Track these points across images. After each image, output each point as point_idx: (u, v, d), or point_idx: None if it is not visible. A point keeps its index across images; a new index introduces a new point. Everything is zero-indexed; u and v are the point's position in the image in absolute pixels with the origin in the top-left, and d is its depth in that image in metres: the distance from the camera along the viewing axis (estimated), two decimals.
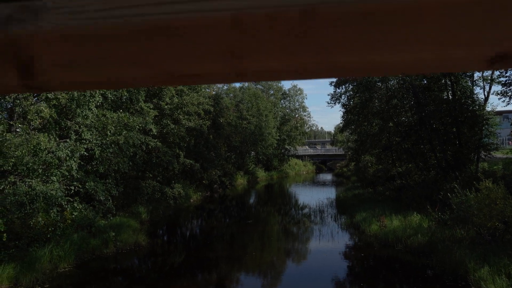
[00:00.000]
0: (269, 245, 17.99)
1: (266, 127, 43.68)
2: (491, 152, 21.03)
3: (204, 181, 29.82)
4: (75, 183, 12.72)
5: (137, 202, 19.92)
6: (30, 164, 10.90)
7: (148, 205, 20.94)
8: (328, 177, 53.78)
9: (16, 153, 10.35)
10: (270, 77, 0.46)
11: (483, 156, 20.72)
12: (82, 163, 13.37)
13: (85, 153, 12.77)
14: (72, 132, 13.12)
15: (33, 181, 11.13)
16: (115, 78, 0.47)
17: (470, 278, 10.46)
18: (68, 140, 12.72)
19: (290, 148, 54.13)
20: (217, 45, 0.41)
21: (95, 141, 13.43)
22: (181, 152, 22.89)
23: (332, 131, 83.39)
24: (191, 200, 27.74)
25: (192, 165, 24.00)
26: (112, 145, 14.29)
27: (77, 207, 12.60)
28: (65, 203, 11.72)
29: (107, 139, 13.87)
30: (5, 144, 10.24)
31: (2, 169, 11.00)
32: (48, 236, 12.69)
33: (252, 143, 41.00)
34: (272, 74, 0.45)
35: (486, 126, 20.75)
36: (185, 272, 13.65)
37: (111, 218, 15.96)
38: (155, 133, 19.31)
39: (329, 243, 16.17)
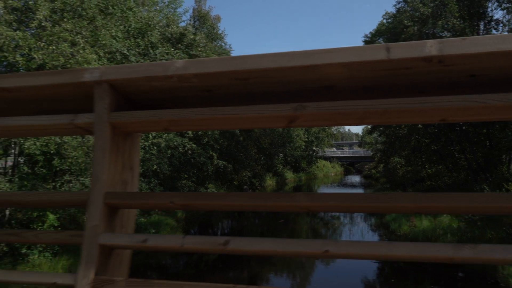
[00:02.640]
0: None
1: (294, 129, 44.21)
2: None
3: (235, 182, 30.62)
4: None
5: None
6: (83, 165, 11.89)
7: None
8: (356, 178, 53.77)
9: (73, 153, 11.36)
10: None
11: None
12: None
13: None
14: None
15: (86, 179, 12.15)
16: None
17: (499, 276, 10.82)
18: None
19: (318, 149, 54.42)
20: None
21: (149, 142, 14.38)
22: (214, 154, 23.73)
23: (360, 133, 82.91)
24: None
25: (226, 166, 24.82)
26: (154, 147, 15.23)
27: None
28: None
29: (149, 141, 14.82)
30: (64, 146, 11.26)
31: (58, 168, 12.05)
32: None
33: (280, 145, 41.61)
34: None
35: None
36: (218, 268, 14.34)
37: (150, 216, 16.92)
38: (191, 135, 20.23)
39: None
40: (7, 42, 10.53)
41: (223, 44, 35.13)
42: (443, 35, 20.68)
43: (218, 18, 38.80)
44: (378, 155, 38.03)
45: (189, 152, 21.10)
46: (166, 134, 15.70)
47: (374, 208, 1.24)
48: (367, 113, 1.24)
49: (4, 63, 11.97)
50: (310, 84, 1.36)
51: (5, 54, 10.73)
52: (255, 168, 35.23)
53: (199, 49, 24.11)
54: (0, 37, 10.55)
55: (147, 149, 15.27)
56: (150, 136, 15.14)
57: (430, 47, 1.14)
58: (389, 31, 26.04)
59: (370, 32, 29.61)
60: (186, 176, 22.59)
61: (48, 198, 1.47)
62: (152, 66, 1.38)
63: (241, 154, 30.26)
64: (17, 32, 10.92)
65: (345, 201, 1.24)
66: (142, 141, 15.06)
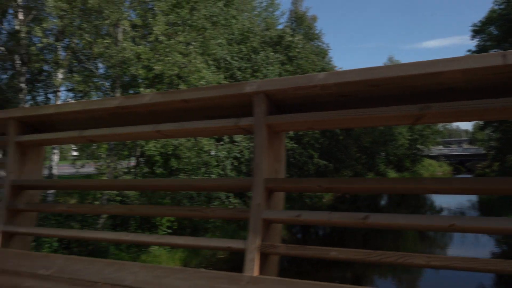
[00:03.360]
0: (403, 247, 17.91)
1: (396, 127, 42.65)
2: None
3: None
4: None
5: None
6: (196, 164, 12.98)
7: (285, 203, 22.43)
8: None
9: (187, 154, 12.50)
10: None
11: None
12: (235, 163, 15.28)
13: (238, 154, 14.63)
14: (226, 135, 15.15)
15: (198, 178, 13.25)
16: None
17: None
18: (223, 143, 14.71)
19: (423, 148, 51.80)
20: None
21: (244, 144, 15.23)
22: (315, 153, 24.01)
23: (470, 129, 76.93)
24: (324, 200, 28.70)
25: (326, 166, 24.95)
26: None
27: (232, 201, 14.47)
28: (225, 197, 13.64)
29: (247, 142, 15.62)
30: (179, 147, 12.43)
31: (174, 167, 13.29)
32: (208, 226, 14.78)
33: (382, 143, 40.46)
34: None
35: None
36: (320, 267, 14.51)
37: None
38: (291, 135, 20.76)
39: (471, 248, 15.63)
40: (131, 56, 11.93)
41: (320, 44, 35.21)
42: None
43: (314, 18, 38.94)
44: (492, 152, 35.17)
45: (290, 151, 21.63)
46: None
47: (506, 190, 1.45)
48: (487, 110, 1.47)
49: (127, 74, 13.54)
50: (432, 88, 1.62)
51: (129, 67, 12.16)
52: (356, 167, 34.73)
53: (297, 50, 24.55)
54: (125, 52, 11.99)
55: (251, 149, 16.07)
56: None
57: None
58: (502, 17, 24.03)
59: (480, 21, 27.56)
60: (288, 175, 23.17)
61: (222, 183, 1.91)
62: (299, 78, 1.75)
63: (341, 153, 30.09)
64: (139, 46, 12.31)
65: (474, 185, 1.48)
66: (247, 142, 15.90)
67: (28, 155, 2.57)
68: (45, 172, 17.19)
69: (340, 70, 1.68)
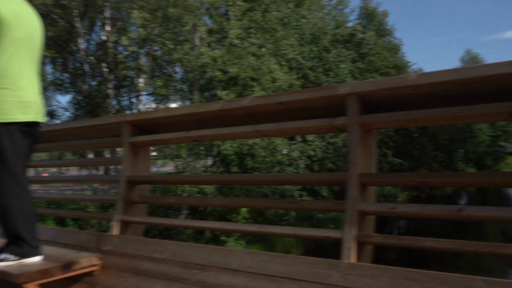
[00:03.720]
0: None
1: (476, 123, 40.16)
2: None
3: None
4: None
5: None
6: (270, 164, 13.29)
7: None
8: None
9: (262, 153, 12.85)
10: None
11: None
12: (307, 161, 15.42)
13: (312, 152, 14.75)
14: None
15: None
16: None
17: None
18: (295, 142, 14.90)
19: (506, 145, 48.28)
20: None
21: (317, 143, 15.31)
22: (388, 151, 23.41)
23: None
24: (398, 199, 27.88)
25: (401, 164, 24.22)
26: (330, 146, 16.01)
27: (306, 199, 14.62)
28: (298, 196, 13.83)
29: (327, 140, 15.63)
30: (254, 147, 12.82)
31: (249, 166, 13.71)
32: (283, 224, 15.03)
33: (461, 140, 38.35)
34: None
35: None
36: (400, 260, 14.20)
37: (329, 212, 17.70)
38: None
39: None
40: (208, 61, 12.51)
41: (392, 39, 34.16)
42: None
43: (385, 14, 37.82)
44: None
45: None
46: (343, 134, 16.33)
47: None
48: None
49: (203, 77, 14.18)
50: None
51: (207, 70, 12.76)
52: (432, 165, 33.28)
53: (369, 46, 24.09)
54: (203, 57, 12.60)
55: (324, 148, 16.09)
56: (327, 136, 15.93)
57: None
58: None
59: None
60: None
61: (316, 178, 2.08)
62: (392, 80, 1.87)
63: (416, 151, 29.01)
64: (215, 50, 12.88)
65: None
66: (320, 141, 15.95)
67: (138, 153, 2.92)
68: None
69: (432, 71, 1.79)
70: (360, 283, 1.68)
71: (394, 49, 32.14)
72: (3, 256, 2.29)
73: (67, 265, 2.33)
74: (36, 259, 2.33)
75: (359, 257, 1.86)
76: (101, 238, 2.69)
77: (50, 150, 3.82)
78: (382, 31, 33.88)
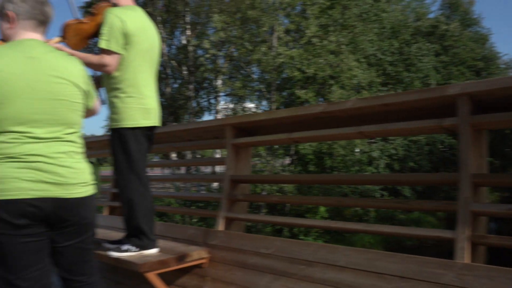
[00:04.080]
0: None
1: None
2: None
3: None
4: None
5: (433, 199, 20.42)
6: (350, 162, 13.13)
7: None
8: None
9: (341, 152, 12.73)
10: None
11: None
12: (387, 160, 14.99)
13: (394, 150, 14.33)
14: None
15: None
16: None
17: None
18: (375, 141, 14.56)
19: None
20: None
21: (398, 141, 14.83)
22: None
23: None
24: (487, 201, 26.07)
25: (492, 163, 22.64)
26: (413, 145, 15.43)
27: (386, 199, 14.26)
28: (379, 195, 13.51)
29: (409, 139, 15.09)
30: (333, 146, 12.75)
31: (327, 166, 13.64)
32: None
33: None
34: None
35: None
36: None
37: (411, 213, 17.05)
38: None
39: None
40: (286, 60, 12.64)
41: (479, 29, 31.95)
42: None
43: (471, 2, 35.45)
44: None
45: (448, 148, 20.25)
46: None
47: None
48: None
49: (281, 77, 14.33)
50: None
51: (284, 70, 12.89)
52: None
53: (453, 38, 22.82)
54: (280, 57, 12.75)
55: (405, 147, 15.55)
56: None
57: None
58: None
59: None
60: (444, 171, 21.70)
61: (425, 178, 2.10)
62: (507, 79, 1.84)
63: (509, 149, 26.89)
64: (293, 50, 12.97)
65: None
66: (401, 139, 15.41)
67: (240, 154, 3.09)
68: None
69: None
70: (476, 284, 1.67)
71: (482, 39, 30.07)
72: (126, 247, 2.56)
73: (181, 257, 2.55)
74: (154, 251, 2.58)
75: (473, 258, 1.85)
76: (207, 233, 2.89)
77: (157, 152, 4.16)
78: (468, 21, 31.83)
